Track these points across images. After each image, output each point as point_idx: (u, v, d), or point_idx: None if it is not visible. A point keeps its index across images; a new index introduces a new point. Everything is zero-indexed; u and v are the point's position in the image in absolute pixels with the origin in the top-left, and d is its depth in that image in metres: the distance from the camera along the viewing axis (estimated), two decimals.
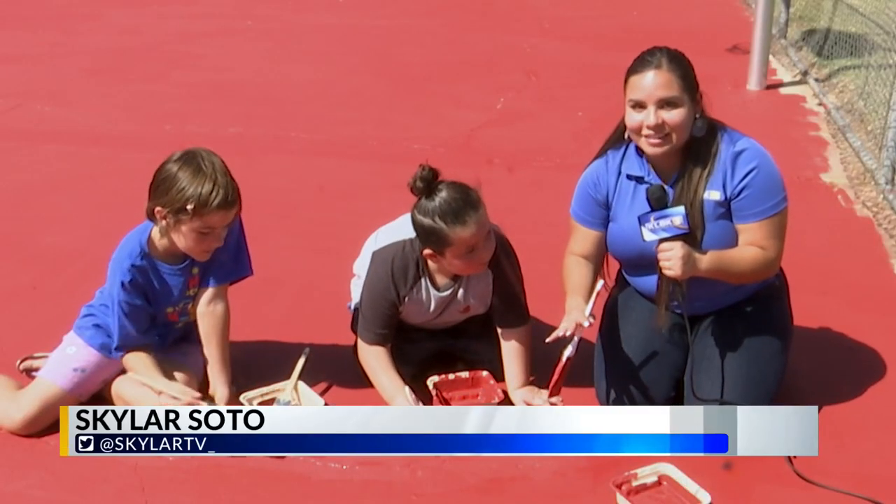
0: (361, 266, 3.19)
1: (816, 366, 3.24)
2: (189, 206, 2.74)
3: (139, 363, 2.95)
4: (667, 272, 2.70)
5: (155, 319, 3.02)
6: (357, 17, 8.43)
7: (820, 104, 6.00)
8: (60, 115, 5.98)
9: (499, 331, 3.12)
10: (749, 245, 2.77)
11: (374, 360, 3.06)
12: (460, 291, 3.07)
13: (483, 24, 8.17)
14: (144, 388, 2.97)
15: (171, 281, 2.96)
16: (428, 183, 2.83)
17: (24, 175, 5.06)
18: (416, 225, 2.89)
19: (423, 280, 3.03)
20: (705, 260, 2.70)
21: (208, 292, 3.02)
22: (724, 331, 2.91)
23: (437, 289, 3.05)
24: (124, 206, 4.47)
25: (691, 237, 2.71)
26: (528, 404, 3.01)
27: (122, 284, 2.89)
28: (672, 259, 2.67)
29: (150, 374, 2.93)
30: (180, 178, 2.76)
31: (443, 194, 2.83)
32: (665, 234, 2.68)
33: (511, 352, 3.09)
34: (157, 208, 2.82)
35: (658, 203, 2.70)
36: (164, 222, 2.84)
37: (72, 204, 4.67)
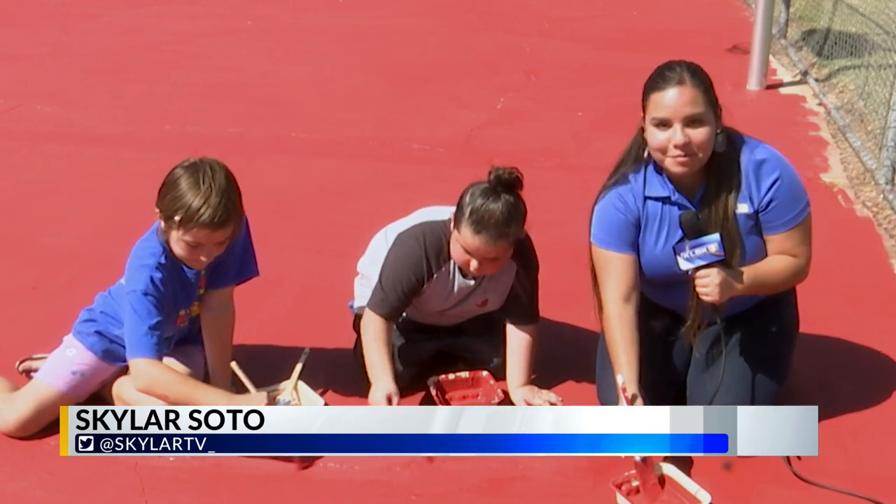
0: (366, 265, 3.19)
1: (817, 366, 3.24)
2: (176, 217, 2.71)
3: (172, 377, 2.80)
4: (705, 298, 2.67)
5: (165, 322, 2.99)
6: (357, 17, 8.44)
7: (820, 104, 6.00)
8: (60, 115, 5.98)
9: (507, 327, 3.12)
10: (779, 254, 2.76)
11: (374, 330, 2.98)
12: (482, 284, 3.05)
13: (483, 24, 8.17)
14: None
15: (190, 282, 2.94)
16: (500, 183, 2.83)
17: (24, 175, 5.06)
18: (463, 193, 2.89)
19: (451, 262, 3.00)
20: (741, 280, 2.69)
21: (215, 293, 3.02)
22: (729, 334, 2.91)
23: (464, 276, 3.02)
24: (124, 206, 4.50)
25: (727, 261, 2.68)
26: (529, 403, 3.01)
27: (153, 280, 2.80)
28: (710, 286, 2.65)
29: (190, 383, 2.81)
30: (178, 186, 2.74)
31: (495, 204, 2.82)
32: (701, 262, 2.65)
33: (516, 349, 3.10)
34: (156, 209, 2.81)
35: (692, 230, 2.66)
36: (161, 225, 2.82)
37: (72, 204, 4.67)
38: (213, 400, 2.70)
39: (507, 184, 2.84)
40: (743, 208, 2.72)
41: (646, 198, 2.78)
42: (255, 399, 2.79)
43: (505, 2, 8.98)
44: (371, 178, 4.94)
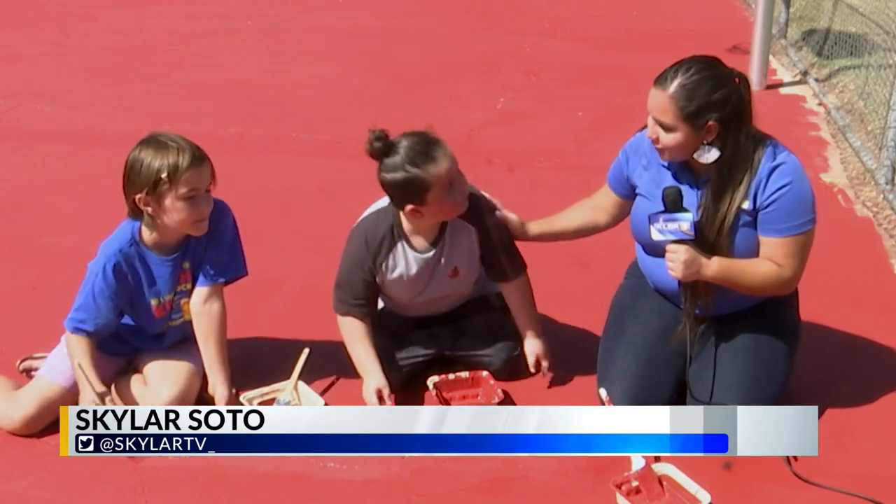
0: None
1: (816, 366, 3.24)
2: (163, 176, 2.77)
3: (79, 349, 2.91)
4: (670, 273, 2.74)
5: (135, 311, 3.00)
6: (357, 17, 8.43)
7: (820, 104, 6.00)
8: (60, 115, 5.97)
9: (501, 287, 3.19)
10: (766, 259, 2.77)
11: (349, 331, 3.07)
12: (443, 253, 3.05)
13: (483, 24, 8.16)
14: (145, 389, 2.98)
15: (158, 271, 2.97)
16: (383, 141, 2.84)
17: (24, 175, 5.06)
18: (389, 185, 2.89)
19: (399, 244, 3.01)
20: (712, 267, 2.72)
21: (203, 291, 3.02)
22: (731, 333, 2.93)
23: (416, 250, 3.03)
24: (124, 207, 4.48)
25: (699, 243, 2.72)
26: (539, 359, 3.12)
27: (105, 269, 2.90)
28: (675, 262, 2.71)
29: (86, 363, 2.90)
30: (145, 158, 2.81)
31: (403, 144, 2.84)
32: (671, 237, 2.72)
33: (516, 303, 3.17)
34: (137, 196, 2.84)
35: (672, 205, 2.72)
36: (148, 209, 2.85)
37: (72, 204, 4.67)
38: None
39: (384, 137, 2.85)
40: (744, 204, 2.74)
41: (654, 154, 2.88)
42: (89, 395, 2.86)
43: (505, 2, 8.96)
44: (371, 178, 4.88)
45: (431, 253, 3.02)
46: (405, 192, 2.87)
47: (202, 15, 8.58)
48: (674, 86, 2.67)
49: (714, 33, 7.55)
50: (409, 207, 2.89)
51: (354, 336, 3.06)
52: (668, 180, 2.86)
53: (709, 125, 2.68)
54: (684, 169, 2.84)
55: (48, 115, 5.99)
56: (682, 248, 2.70)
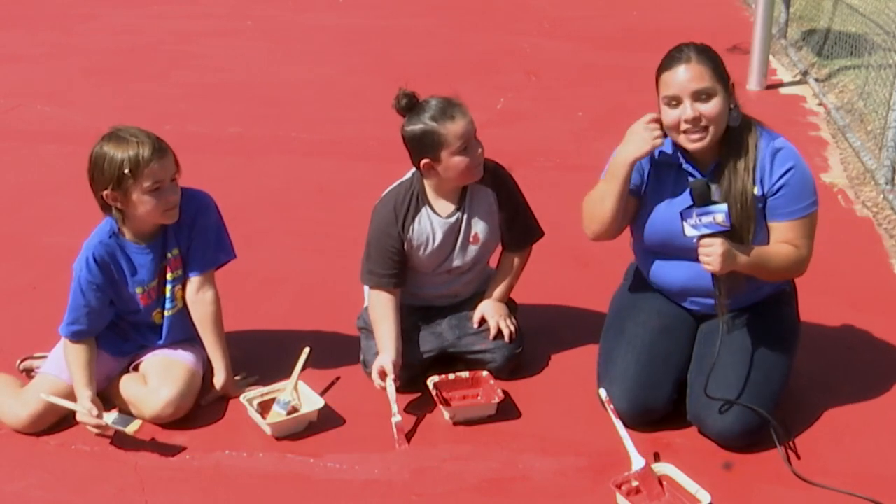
0: None
1: (817, 366, 3.24)
2: (126, 170, 2.78)
3: (74, 357, 2.93)
4: (706, 267, 2.71)
5: (122, 300, 3.01)
6: (357, 17, 8.44)
7: (820, 104, 6.00)
8: (60, 115, 5.98)
9: (503, 255, 3.27)
10: (782, 242, 2.80)
11: (377, 307, 3.11)
12: (465, 218, 3.12)
13: (483, 24, 8.17)
14: (145, 389, 2.97)
15: (138, 259, 2.98)
16: (410, 98, 3.02)
17: (24, 175, 5.07)
18: (408, 137, 3.02)
19: (423, 209, 3.10)
20: (744, 256, 2.73)
21: (195, 281, 3.04)
22: (732, 332, 2.92)
23: (439, 215, 3.11)
24: None
25: (732, 233, 2.72)
26: (483, 319, 3.18)
27: (88, 261, 2.92)
28: (712, 255, 2.68)
29: (77, 374, 2.90)
30: (107, 153, 2.82)
31: (426, 102, 3.02)
32: (706, 231, 2.69)
33: (507, 268, 3.26)
34: (105, 193, 2.84)
35: (701, 199, 2.70)
36: (117, 204, 2.86)
37: (72, 204, 4.66)
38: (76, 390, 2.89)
39: (412, 94, 3.03)
40: (754, 189, 2.76)
41: (655, 158, 2.89)
42: (79, 404, 2.87)
43: (505, 2, 8.97)
44: (371, 178, 4.92)
45: (454, 218, 3.12)
46: (421, 145, 2.99)
47: (202, 15, 8.59)
48: (694, 55, 2.72)
49: (714, 33, 7.54)
50: (424, 161, 3.00)
51: (381, 313, 3.10)
52: (674, 174, 2.86)
53: (731, 86, 2.76)
54: (688, 160, 2.85)
55: (48, 115, 6.00)
56: (718, 240, 2.67)
